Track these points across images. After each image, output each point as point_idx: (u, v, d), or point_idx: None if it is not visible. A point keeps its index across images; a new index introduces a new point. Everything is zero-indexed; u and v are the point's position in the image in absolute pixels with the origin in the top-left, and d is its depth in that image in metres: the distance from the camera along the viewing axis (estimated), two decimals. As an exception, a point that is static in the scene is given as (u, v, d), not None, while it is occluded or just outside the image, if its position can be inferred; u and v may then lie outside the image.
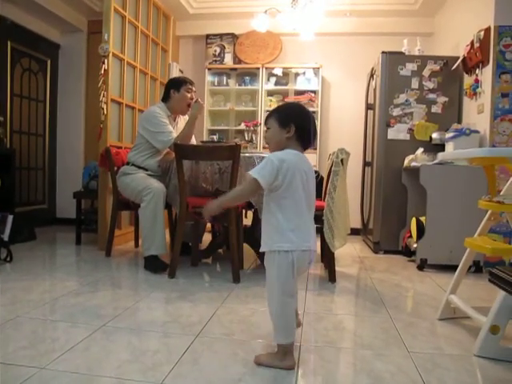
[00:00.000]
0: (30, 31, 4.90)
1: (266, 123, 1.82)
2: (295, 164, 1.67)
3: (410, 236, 3.89)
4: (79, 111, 5.47)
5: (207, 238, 4.09)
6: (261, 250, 1.73)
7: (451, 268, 3.22)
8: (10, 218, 3.75)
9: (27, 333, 1.92)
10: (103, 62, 3.83)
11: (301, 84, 5.41)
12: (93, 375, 1.56)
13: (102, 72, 3.83)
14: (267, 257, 1.72)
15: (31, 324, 2.03)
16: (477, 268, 3.43)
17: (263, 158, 3.05)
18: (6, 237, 3.60)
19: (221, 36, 5.51)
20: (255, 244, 3.18)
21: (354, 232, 4.75)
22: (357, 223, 4.97)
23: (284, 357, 1.68)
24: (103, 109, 3.84)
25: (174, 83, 3.57)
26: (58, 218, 5.48)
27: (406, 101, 4.23)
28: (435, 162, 3.64)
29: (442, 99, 4.20)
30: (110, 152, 3.67)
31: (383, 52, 4.29)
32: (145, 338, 1.91)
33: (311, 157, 5.06)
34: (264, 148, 5.20)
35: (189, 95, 3.55)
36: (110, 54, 3.87)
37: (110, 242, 3.67)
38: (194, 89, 3.61)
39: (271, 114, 1.81)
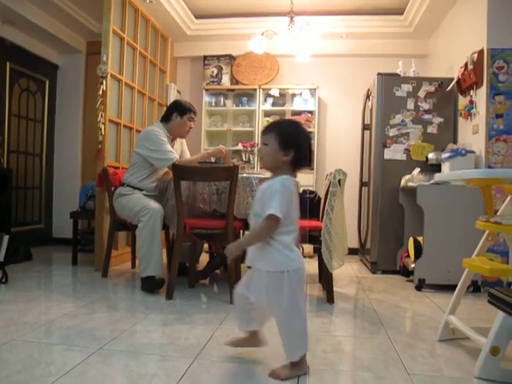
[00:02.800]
0: (28, 52, 4.95)
1: (263, 137, 1.80)
2: (293, 190, 1.76)
3: (408, 256, 3.89)
4: (76, 131, 5.48)
5: (204, 258, 4.08)
6: (265, 269, 1.76)
7: (449, 288, 3.21)
8: (6, 238, 3.72)
9: (22, 356, 1.89)
10: (101, 83, 3.86)
11: (298, 104, 5.47)
12: (89, 400, 1.54)
13: (101, 93, 3.86)
14: (273, 277, 1.74)
15: (26, 347, 2.01)
16: (475, 288, 3.43)
17: (261, 179, 3.07)
18: (1, 257, 3.57)
19: (218, 57, 5.57)
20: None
21: (352, 252, 4.73)
22: (354, 243, 4.96)
23: (301, 364, 1.78)
24: (101, 129, 3.85)
25: (179, 108, 3.57)
26: (55, 238, 5.44)
27: (402, 121, 4.27)
28: (432, 181, 3.66)
29: (438, 120, 4.24)
30: (107, 172, 3.67)
31: (379, 73, 4.34)
32: (142, 362, 1.89)
33: (308, 177, 5.08)
34: (261, 168, 5.21)
35: (189, 123, 3.59)
36: (109, 75, 3.90)
37: (106, 263, 3.64)
38: (195, 118, 3.65)
39: (272, 130, 1.79)
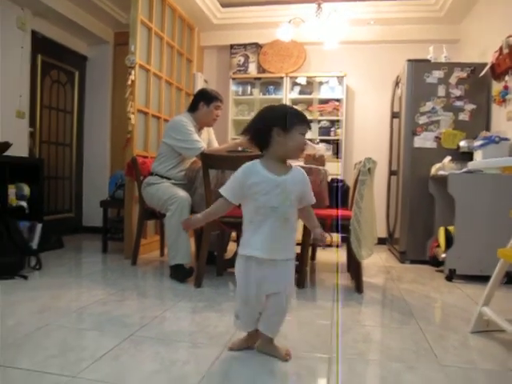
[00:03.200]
0: (58, 44, 5.02)
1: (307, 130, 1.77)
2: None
3: (438, 246, 3.82)
4: (105, 121, 5.56)
5: (232, 247, 4.09)
6: (285, 257, 1.77)
7: (481, 279, 3.16)
8: (39, 226, 3.82)
9: (57, 341, 1.94)
10: (130, 73, 3.88)
11: (325, 93, 5.40)
12: (123, 385, 1.57)
13: (129, 83, 3.89)
14: (287, 264, 1.78)
15: (61, 332, 2.06)
16: (509, 279, 3.34)
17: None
18: (34, 245, 3.67)
19: (245, 46, 5.54)
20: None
21: (380, 241, 4.69)
22: (382, 232, 4.91)
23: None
24: (130, 119, 3.89)
25: (205, 96, 3.56)
26: (85, 227, 5.55)
27: (433, 109, 4.17)
28: (464, 170, 3.57)
29: (470, 106, 4.13)
30: (136, 161, 3.71)
31: (409, 60, 4.25)
32: (173, 348, 1.91)
33: (335, 166, 5.03)
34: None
35: (216, 112, 3.58)
36: (137, 65, 3.93)
37: (135, 251, 3.70)
38: (222, 106, 3.63)
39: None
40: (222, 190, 1.77)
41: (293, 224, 1.77)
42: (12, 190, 3.76)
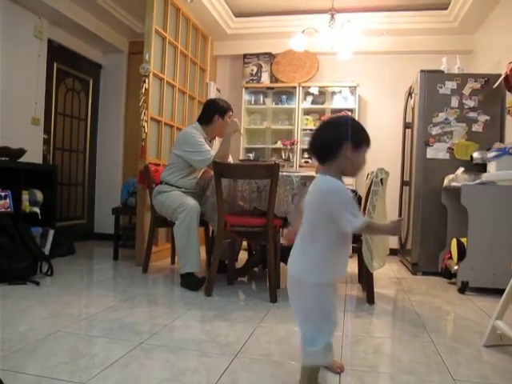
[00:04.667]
0: (74, 52, 5.10)
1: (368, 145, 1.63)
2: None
3: (450, 257, 3.78)
4: (119, 129, 5.61)
5: (243, 256, 4.09)
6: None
7: (494, 292, 3.12)
8: (51, 232, 3.87)
9: (68, 347, 1.95)
10: (144, 82, 3.92)
11: (337, 103, 5.40)
12: (132, 393, 1.56)
13: (143, 91, 3.92)
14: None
15: (71, 339, 2.06)
16: (522, 292, 3.30)
17: (301, 177, 3.06)
18: (46, 251, 3.71)
19: (258, 55, 5.57)
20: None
21: (391, 252, 4.64)
22: (394, 243, 4.87)
23: None
24: (144, 127, 3.92)
25: (219, 110, 3.58)
26: (96, 233, 5.59)
27: (446, 119, 4.15)
28: (477, 181, 3.54)
29: (483, 118, 4.10)
30: (148, 169, 3.73)
31: (422, 70, 4.24)
32: (183, 357, 1.91)
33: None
34: (300, 167, 5.19)
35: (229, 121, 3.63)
36: (151, 74, 3.96)
37: (147, 259, 3.71)
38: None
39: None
40: (361, 219, 1.50)
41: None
42: (25, 196, 3.81)
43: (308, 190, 1.63)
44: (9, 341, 1.97)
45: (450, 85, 4.16)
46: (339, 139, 1.56)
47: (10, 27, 3.95)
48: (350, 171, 1.61)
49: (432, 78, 4.21)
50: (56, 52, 4.75)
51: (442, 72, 4.29)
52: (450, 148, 4.15)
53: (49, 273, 3.36)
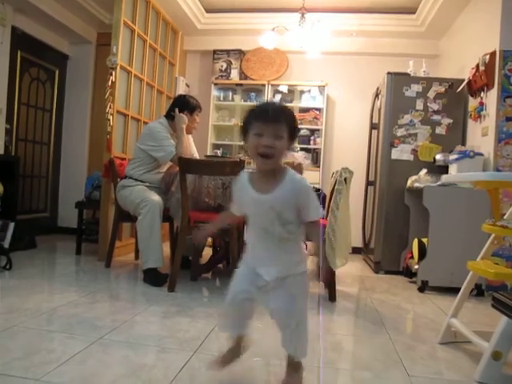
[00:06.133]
0: (39, 41, 4.95)
1: (276, 126, 1.41)
2: None
3: (412, 257, 3.87)
4: (84, 121, 5.49)
5: (207, 252, 4.08)
6: (285, 274, 1.52)
7: (452, 290, 3.20)
8: (12, 225, 3.75)
9: (23, 343, 1.90)
10: (111, 74, 3.86)
11: (306, 101, 5.45)
12: (88, 389, 1.54)
13: (110, 84, 3.86)
14: (298, 280, 1.55)
15: (28, 334, 2.01)
16: (478, 291, 3.40)
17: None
18: (6, 244, 3.59)
19: (228, 52, 5.55)
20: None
21: (355, 251, 4.74)
22: (358, 242, 4.95)
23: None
24: (109, 120, 3.85)
25: (187, 106, 3.57)
26: (59, 227, 5.46)
27: (411, 121, 4.24)
28: (439, 183, 3.64)
29: (447, 121, 4.21)
30: (113, 163, 3.68)
31: (389, 72, 4.32)
32: (142, 353, 1.89)
33: (315, 174, 5.07)
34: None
35: (197, 119, 3.63)
36: (118, 67, 3.90)
37: (110, 253, 3.65)
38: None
39: (282, 117, 1.43)
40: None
41: (296, 241, 1.56)
42: (-15, 188, 3.69)
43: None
44: (-39, 336, 1.91)
45: (416, 88, 4.25)
46: (241, 132, 1.51)
47: (-28, 12, 3.82)
48: (254, 160, 1.48)
49: (398, 80, 4.29)
50: (20, 40, 4.61)
51: (408, 75, 4.38)
52: (414, 150, 4.24)
53: (7, 267, 3.27)
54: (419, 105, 4.24)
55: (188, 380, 1.66)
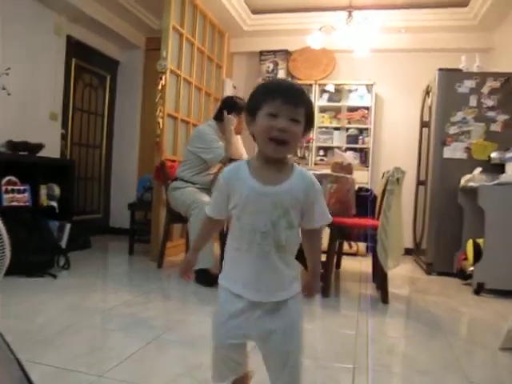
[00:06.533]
0: (92, 48, 5.13)
1: (294, 108, 1.16)
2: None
3: (466, 258, 3.75)
4: (135, 125, 5.64)
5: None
6: (282, 298, 1.23)
7: (510, 293, 3.08)
8: (68, 226, 3.90)
9: (85, 340, 1.98)
10: (161, 78, 3.94)
11: (353, 100, 5.38)
12: (148, 386, 1.59)
13: (160, 88, 3.95)
14: (295, 303, 1.26)
15: (89, 331, 2.10)
16: (539, 295, 3.26)
17: (317, 175, 3.04)
18: (63, 244, 3.75)
19: (274, 52, 5.56)
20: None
21: (406, 252, 4.62)
22: (409, 243, 4.84)
23: None
24: (159, 123, 3.94)
25: (236, 107, 3.58)
26: (112, 228, 5.64)
27: (464, 119, 4.11)
28: (495, 182, 3.50)
29: (502, 117, 4.05)
30: (164, 165, 3.76)
31: (440, 69, 4.20)
32: (197, 352, 1.92)
33: (363, 174, 4.99)
34: (316, 164, 5.18)
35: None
36: (168, 71, 3.98)
37: (161, 254, 3.73)
38: None
39: (303, 99, 1.20)
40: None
41: (293, 253, 1.27)
42: (43, 191, 3.86)
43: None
44: (28, 332, 2.01)
45: (469, 83, 4.11)
46: (246, 113, 1.28)
47: (31, 24, 3.99)
48: (260, 147, 1.24)
49: (450, 76, 4.16)
50: (74, 48, 4.79)
51: (460, 71, 4.24)
52: (467, 148, 4.10)
53: (66, 266, 3.40)
54: (472, 101, 4.09)
55: (244, 380, 1.67)
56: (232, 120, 3.55)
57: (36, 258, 3.18)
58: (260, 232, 1.18)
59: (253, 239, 1.19)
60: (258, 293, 1.21)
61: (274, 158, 1.21)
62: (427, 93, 4.63)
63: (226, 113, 3.55)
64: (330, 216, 1.27)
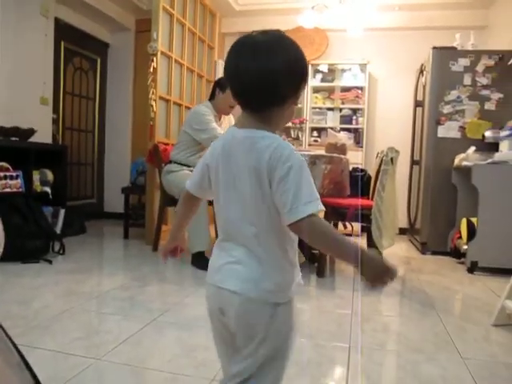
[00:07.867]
0: (81, 31, 5.06)
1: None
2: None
3: (460, 237, 3.78)
4: (127, 108, 5.59)
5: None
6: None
7: (503, 271, 3.12)
8: (62, 211, 3.90)
9: (82, 324, 1.99)
10: (152, 60, 3.89)
11: (347, 80, 5.35)
12: (146, 368, 1.60)
13: (151, 70, 3.90)
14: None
15: (85, 315, 2.11)
16: (532, 272, 3.30)
17: (311, 156, 3.03)
18: (58, 230, 3.75)
19: (266, 32, 5.49)
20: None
21: (400, 231, 4.67)
22: (403, 223, 4.86)
23: None
24: (152, 106, 3.91)
25: (220, 83, 3.57)
26: (106, 212, 5.63)
27: (458, 97, 4.09)
28: (489, 161, 3.51)
29: (497, 96, 4.03)
30: (158, 149, 3.74)
31: (434, 47, 4.16)
32: (194, 334, 1.93)
33: (357, 154, 4.99)
34: (309, 145, 5.17)
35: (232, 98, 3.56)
36: (159, 53, 3.93)
37: (157, 237, 3.74)
38: None
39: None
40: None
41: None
42: (36, 176, 3.83)
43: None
44: (25, 317, 2.01)
45: (463, 62, 4.08)
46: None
47: (16, 6, 3.91)
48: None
49: (444, 54, 4.13)
50: (63, 31, 4.71)
51: (454, 49, 4.20)
52: (461, 127, 4.09)
53: (61, 251, 3.40)
54: (467, 80, 4.07)
55: (241, 361, 1.69)
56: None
57: (31, 243, 3.18)
58: None
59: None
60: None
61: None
62: (421, 72, 4.61)
63: (219, 93, 3.52)
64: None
